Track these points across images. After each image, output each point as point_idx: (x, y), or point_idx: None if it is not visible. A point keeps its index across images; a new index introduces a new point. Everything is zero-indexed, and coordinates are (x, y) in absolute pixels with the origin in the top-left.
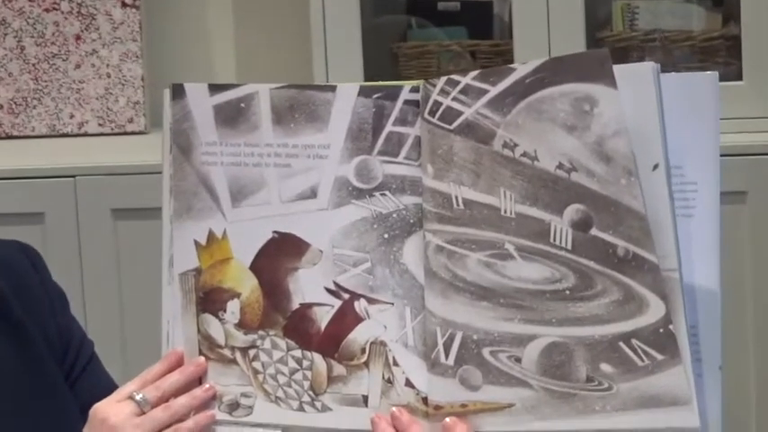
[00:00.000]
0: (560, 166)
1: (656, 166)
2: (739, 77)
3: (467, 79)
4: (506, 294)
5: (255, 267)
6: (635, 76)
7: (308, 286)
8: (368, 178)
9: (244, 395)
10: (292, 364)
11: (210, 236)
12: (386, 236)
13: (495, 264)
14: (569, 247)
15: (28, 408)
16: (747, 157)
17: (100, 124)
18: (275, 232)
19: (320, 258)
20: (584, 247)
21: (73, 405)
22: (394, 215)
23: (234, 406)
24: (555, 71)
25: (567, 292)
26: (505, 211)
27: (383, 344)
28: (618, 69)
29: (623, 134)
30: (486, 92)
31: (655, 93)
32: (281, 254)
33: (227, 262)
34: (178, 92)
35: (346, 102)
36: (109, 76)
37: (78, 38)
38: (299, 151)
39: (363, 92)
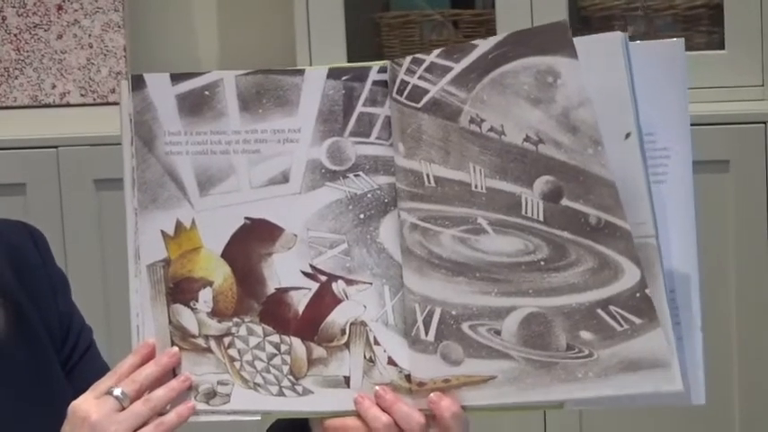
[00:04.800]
0: (527, 138)
1: (628, 135)
2: (722, 46)
3: (431, 57)
4: (482, 268)
5: (227, 255)
6: (604, 46)
7: (284, 271)
8: (340, 160)
9: (220, 383)
10: (270, 349)
11: (178, 226)
12: (361, 216)
13: (469, 239)
14: (541, 218)
15: (26, 393)
16: (730, 126)
17: (82, 95)
18: (247, 218)
19: (295, 242)
20: (555, 218)
21: (69, 393)
22: (368, 195)
23: (211, 395)
24: (516, 45)
25: (542, 262)
26: (476, 187)
27: (363, 324)
28: (587, 40)
29: (587, 104)
30: (450, 69)
31: (624, 62)
32: (253, 240)
33: (196, 251)
34: (138, 83)
35: (315, 85)
36: (91, 46)
37: (60, 8)
38: (269, 136)
39: (332, 74)
